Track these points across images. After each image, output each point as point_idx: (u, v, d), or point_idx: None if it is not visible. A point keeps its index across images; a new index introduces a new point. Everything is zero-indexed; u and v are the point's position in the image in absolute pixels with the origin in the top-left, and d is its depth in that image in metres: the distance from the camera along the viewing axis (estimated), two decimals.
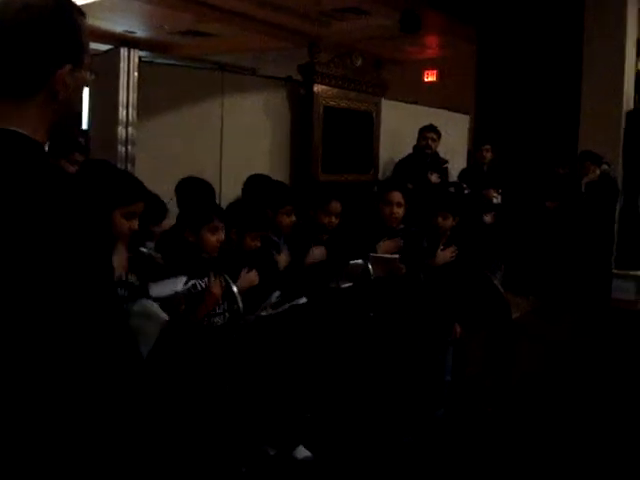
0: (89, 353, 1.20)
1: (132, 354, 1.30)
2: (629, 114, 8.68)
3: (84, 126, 4.99)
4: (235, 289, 3.30)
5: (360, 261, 4.09)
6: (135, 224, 2.65)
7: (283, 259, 3.92)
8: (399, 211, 4.33)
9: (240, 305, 3.28)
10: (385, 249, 4.25)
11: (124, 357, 1.26)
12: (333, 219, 4.27)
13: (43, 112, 1.29)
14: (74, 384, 1.18)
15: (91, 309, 1.20)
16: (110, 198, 2.52)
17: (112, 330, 1.24)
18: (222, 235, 3.31)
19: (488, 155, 7.35)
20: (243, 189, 4.62)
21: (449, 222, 4.51)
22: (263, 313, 3.39)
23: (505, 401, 4.65)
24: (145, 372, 1.40)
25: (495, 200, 7.16)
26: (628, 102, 8.73)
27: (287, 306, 3.47)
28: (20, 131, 1.24)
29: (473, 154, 7.83)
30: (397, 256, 4.15)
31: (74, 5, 1.33)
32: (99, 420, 1.21)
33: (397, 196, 4.35)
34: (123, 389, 1.25)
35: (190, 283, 3.04)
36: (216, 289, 3.22)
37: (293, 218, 4.10)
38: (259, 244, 3.62)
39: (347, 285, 4.05)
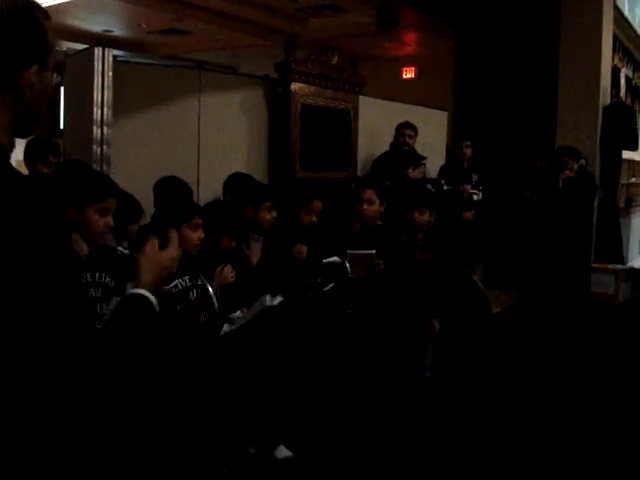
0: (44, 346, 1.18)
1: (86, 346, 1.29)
2: (606, 109, 8.74)
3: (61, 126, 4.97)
4: (210, 289, 3.29)
5: (336, 258, 4.09)
6: (110, 220, 2.66)
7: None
8: (369, 208, 4.31)
9: (215, 304, 3.27)
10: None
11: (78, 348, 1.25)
12: (314, 217, 4.28)
13: (8, 113, 1.29)
14: (24, 364, 1.17)
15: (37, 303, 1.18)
16: (81, 194, 2.54)
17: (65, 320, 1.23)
18: (202, 233, 3.30)
19: (468, 151, 7.36)
20: (224, 188, 4.60)
21: (426, 217, 4.51)
22: (238, 313, 3.38)
23: (486, 396, 4.67)
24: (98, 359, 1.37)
25: (476, 197, 7.19)
26: (605, 96, 8.79)
27: (265, 306, 3.46)
28: None
29: (452, 150, 7.85)
30: (374, 251, 4.13)
31: (40, 7, 1.34)
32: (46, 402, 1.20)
33: (367, 193, 4.33)
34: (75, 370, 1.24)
35: (173, 283, 3.03)
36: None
37: (274, 214, 4.08)
38: (234, 244, 3.62)
39: (327, 285, 4.06)
